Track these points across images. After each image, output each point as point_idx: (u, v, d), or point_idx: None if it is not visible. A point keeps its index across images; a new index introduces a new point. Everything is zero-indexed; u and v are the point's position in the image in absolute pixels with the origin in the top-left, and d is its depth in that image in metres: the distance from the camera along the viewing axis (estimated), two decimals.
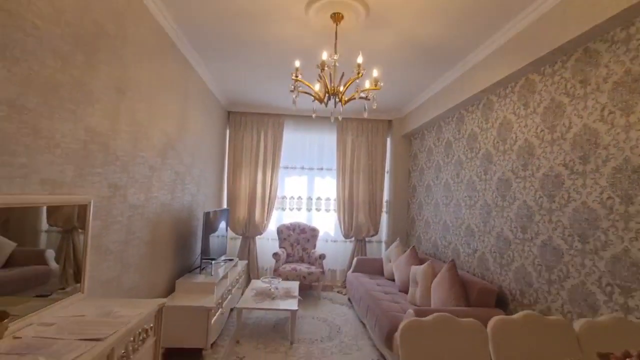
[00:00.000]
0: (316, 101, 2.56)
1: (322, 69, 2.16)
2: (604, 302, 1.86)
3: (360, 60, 2.20)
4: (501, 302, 2.69)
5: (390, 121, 5.32)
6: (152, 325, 1.69)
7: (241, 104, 5.05)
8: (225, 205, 5.13)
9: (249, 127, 5.15)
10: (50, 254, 1.56)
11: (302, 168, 5.35)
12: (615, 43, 1.88)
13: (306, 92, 2.51)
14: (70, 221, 1.65)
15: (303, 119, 5.25)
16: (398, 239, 4.36)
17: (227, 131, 5.17)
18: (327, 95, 2.45)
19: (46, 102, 1.48)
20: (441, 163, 4.04)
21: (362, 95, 2.50)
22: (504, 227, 2.78)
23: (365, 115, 2.56)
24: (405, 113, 4.98)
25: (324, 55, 2.16)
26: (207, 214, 3.24)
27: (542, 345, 1.43)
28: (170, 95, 2.86)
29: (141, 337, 1.56)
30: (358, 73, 2.19)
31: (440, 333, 1.43)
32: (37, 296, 1.47)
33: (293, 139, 5.31)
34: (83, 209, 1.72)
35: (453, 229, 3.65)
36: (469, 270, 3.27)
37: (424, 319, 1.44)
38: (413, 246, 3.83)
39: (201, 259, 3.14)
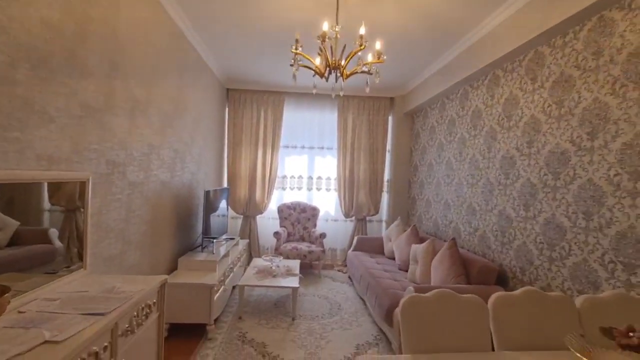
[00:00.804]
0: (317, 76, 2.48)
1: (323, 41, 2.07)
2: (605, 279, 1.87)
3: (362, 31, 2.11)
4: (501, 280, 2.71)
5: (392, 98, 5.21)
6: (155, 300, 1.70)
7: (240, 81, 4.93)
8: (225, 185, 5.11)
9: (248, 105, 5.05)
10: (54, 233, 1.56)
11: (303, 147, 5.29)
12: (633, 10, 1.78)
13: (306, 66, 2.43)
14: (72, 201, 1.64)
15: (304, 96, 5.14)
16: (399, 218, 4.37)
17: (227, 109, 5.08)
18: (328, 69, 2.36)
19: (37, 75, 1.42)
20: (444, 141, 3.97)
21: (365, 69, 2.42)
22: (506, 206, 2.76)
23: (367, 90, 2.49)
24: (407, 90, 4.86)
25: (325, 26, 2.06)
26: (207, 193, 3.22)
27: (542, 321, 1.44)
28: (167, 71, 2.77)
29: (144, 312, 1.57)
30: (360, 45, 2.10)
31: (441, 309, 1.43)
32: (43, 274, 1.48)
33: (293, 117, 5.22)
34: (82, 185, 1.70)
35: (454, 207, 3.64)
36: (469, 249, 3.29)
37: (424, 295, 1.44)
38: (414, 225, 3.84)
39: (202, 237, 3.15)
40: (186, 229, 3.44)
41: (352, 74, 2.42)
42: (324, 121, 5.26)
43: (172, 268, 3.07)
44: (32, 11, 1.38)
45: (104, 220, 1.97)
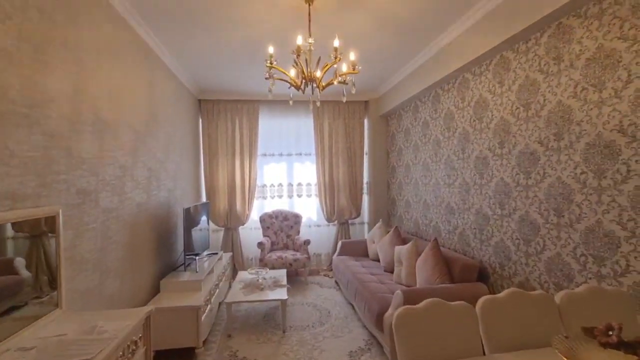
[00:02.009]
0: (292, 87, 2.47)
1: (298, 55, 2.07)
2: (578, 272, 1.98)
3: (337, 43, 2.12)
4: (482, 276, 2.81)
5: (366, 102, 5.28)
6: (140, 335, 1.63)
7: (212, 91, 4.82)
8: (204, 198, 4.98)
9: (222, 115, 4.95)
10: (20, 262, 1.46)
11: (281, 155, 5.26)
12: (588, 18, 1.90)
13: (282, 79, 2.41)
14: (37, 226, 1.54)
15: (278, 104, 5.11)
16: (380, 220, 4.43)
17: (200, 121, 4.95)
18: (303, 81, 2.36)
19: None
20: (419, 143, 4.08)
21: (340, 79, 2.43)
22: (482, 204, 2.87)
23: (344, 100, 2.51)
24: (381, 93, 4.94)
25: (299, 40, 2.06)
26: (187, 210, 3.12)
27: (527, 320, 1.51)
28: (135, 88, 2.66)
29: (130, 350, 1.50)
30: (335, 57, 2.11)
31: (432, 318, 1.46)
32: (10, 308, 1.37)
33: (269, 125, 5.17)
34: (52, 220, 1.60)
35: (433, 207, 3.74)
36: (450, 247, 3.39)
37: (416, 306, 1.47)
38: (396, 227, 3.91)
39: (184, 255, 3.05)
40: (167, 249, 3.33)
41: (328, 85, 2.42)
42: (300, 127, 5.25)
43: (155, 291, 2.96)
44: None
45: (79, 253, 1.86)
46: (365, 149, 5.35)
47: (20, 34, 1.46)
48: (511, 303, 1.54)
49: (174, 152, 3.66)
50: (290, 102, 2.60)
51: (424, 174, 3.94)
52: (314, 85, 2.39)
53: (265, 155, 5.21)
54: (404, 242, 3.81)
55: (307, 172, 5.32)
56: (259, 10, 2.60)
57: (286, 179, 5.29)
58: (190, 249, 3.29)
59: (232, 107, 4.96)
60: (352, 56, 2.32)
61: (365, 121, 5.33)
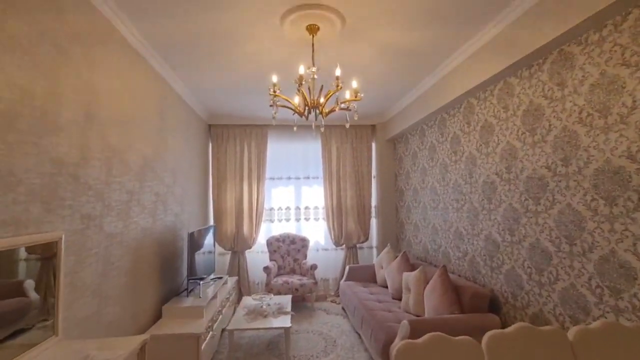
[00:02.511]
0: (297, 114, 2.52)
1: (300, 84, 2.12)
2: (594, 304, 1.86)
3: (338, 72, 2.17)
4: (494, 305, 2.68)
5: (373, 126, 5.32)
6: None
7: (222, 116, 4.96)
8: (211, 221, 5.01)
9: (231, 140, 5.06)
10: (30, 284, 1.48)
11: (289, 178, 5.29)
12: (589, 45, 1.90)
13: (286, 107, 2.46)
14: (49, 248, 1.58)
15: (286, 128, 5.19)
16: (389, 244, 4.34)
17: (210, 145, 5.07)
18: (307, 108, 2.40)
19: (5, 140, 1.38)
20: (426, 166, 4.04)
21: (343, 106, 2.47)
22: (491, 230, 2.78)
23: (347, 125, 2.53)
24: (387, 118, 4.98)
25: (301, 69, 2.11)
26: (191, 235, 3.13)
27: (538, 358, 1.41)
28: (145, 115, 2.76)
29: None
30: (337, 86, 2.15)
31: (435, 353, 1.38)
32: (16, 332, 1.38)
33: (277, 149, 5.24)
34: (54, 246, 1.62)
35: (442, 232, 3.65)
36: (460, 274, 3.26)
37: (417, 340, 1.40)
38: (404, 252, 3.81)
39: (187, 281, 3.03)
40: (171, 273, 3.32)
41: (331, 111, 2.46)
42: (308, 151, 5.30)
43: (157, 317, 2.92)
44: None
45: (79, 278, 1.87)
46: (373, 172, 5.33)
47: (36, 67, 1.55)
48: (520, 339, 1.44)
49: (182, 176, 3.73)
50: (295, 129, 2.64)
51: (432, 197, 3.88)
52: (317, 111, 2.43)
53: (273, 178, 5.25)
54: (412, 268, 3.70)
55: (315, 195, 5.31)
56: (266, 44, 2.70)
57: (294, 202, 5.29)
58: (194, 274, 3.27)
59: (241, 132, 5.07)
60: (355, 84, 2.37)
61: (373, 145, 5.35)
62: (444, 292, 2.75)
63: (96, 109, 2.05)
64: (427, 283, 3.05)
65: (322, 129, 2.55)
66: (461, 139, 3.26)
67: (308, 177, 5.31)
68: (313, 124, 2.49)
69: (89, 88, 1.98)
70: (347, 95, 2.48)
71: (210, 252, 3.96)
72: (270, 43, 2.70)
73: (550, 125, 2.17)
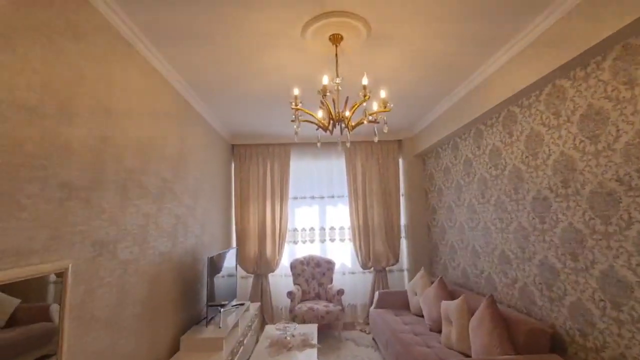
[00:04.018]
0: (321, 129, 2.34)
1: (324, 95, 1.94)
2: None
3: (365, 81, 1.98)
4: (557, 345, 2.27)
5: (400, 141, 5.07)
6: None
7: (245, 136, 4.91)
8: (234, 243, 4.86)
9: (254, 159, 4.96)
10: (55, 308, 1.45)
11: (312, 197, 5.09)
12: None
13: (309, 121, 2.29)
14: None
15: (309, 146, 5.05)
16: (422, 268, 3.98)
17: (232, 165, 5.00)
18: (332, 122, 2.22)
19: (9, 162, 1.28)
20: (461, 182, 3.71)
21: (371, 118, 2.27)
22: (548, 254, 2.41)
23: (376, 140, 2.31)
24: (415, 132, 4.72)
25: (325, 80, 1.95)
26: (211, 259, 2.96)
27: None
28: (165, 136, 2.69)
29: None
30: (364, 96, 1.96)
31: None
32: (41, 357, 1.36)
33: (300, 167, 5.09)
34: (60, 276, 1.49)
35: (484, 255, 3.27)
36: (510, 304, 2.86)
37: None
38: (441, 277, 3.44)
39: (207, 309, 2.83)
40: (191, 299, 3.14)
41: (358, 124, 2.26)
42: (332, 169, 5.11)
43: (174, 349, 2.73)
44: (6, 94, 1.28)
45: (89, 311, 1.72)
46: (402, 189, 5.03)
47: (46, 89, 1.47)
48: None
49: (203, 198, 3.62)
50: (318, 145, 2.46)
51: (470, 216, 3.53)
52: (343, 125, 2.24)
53: (296, 198, 5.07)
54: (451, 295, 3.32)
55: (340, 215, 5.06)
56: (287, 57, 2.58)
57: (318, 222, 5.06)
58: (214, 300, 3.08)
59: (264, 151, 4.97)
60: (383, 94, 2.17)
61: (400, 161, 5.08)
62: (494, 328, 2.38)
63: (112, 130, 1.96)
64: (472, 315, 2.69)
65: (348, 144, 2.36)
66: (502, 151, 2.94)
67: (332, 196, 5.09)
68: (339, 139, 2.29)
69: (106, 108, 1.90)
70: (375, 107, 2.28)
71: (231, 275, 3.78)
72: (291, 57, 2.57)
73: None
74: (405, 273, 4.98)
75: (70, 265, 1.53)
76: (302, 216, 5.06)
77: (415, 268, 4.77)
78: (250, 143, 4.96)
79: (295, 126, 2.15)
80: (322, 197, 5.09)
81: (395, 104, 3.61)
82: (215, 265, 3.12)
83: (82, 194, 1.69)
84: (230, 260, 3.73)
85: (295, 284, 4.66)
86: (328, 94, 1.94)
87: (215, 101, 3.46)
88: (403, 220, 5.01)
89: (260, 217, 4.86)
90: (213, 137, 4.07)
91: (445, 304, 3.02)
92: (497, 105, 2.77)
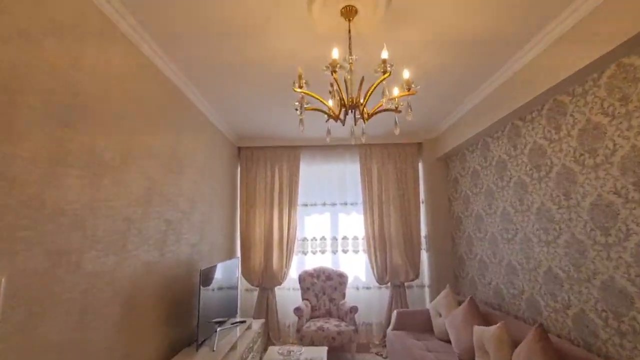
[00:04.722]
0: (331, 121, 1.96)
1: (334, 70, 1.57)
2: None
3: (385, 55, 1.60)
4: None
5: (419, 144, 4.63)
6: None
7: (252, 138, 4.59)
8: (238, 253, 4.50)
9: (261, 163, 4.63)
10: None
11: (324, 204, 4.69)
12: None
13: (317, 109, 1.92)
14: None
15: (321, 148, 4.69)
16: (447, 285, 3.49)
17: (239, 169, 4.68)
18: (343, 109, 1.84)
19: None
20: (493, 187, 3.24)
21: (390, 105, 1.88)
22: (614, 275, 1.92)
23: (397, 131, 1.91)
24: (438, 133, 4.29)
25: (335, 53, 1.57)
26: (204, 272, 2.59)
27: None
28: (153, 130, 2.37)
29: None
30: (384, 72, 1.58)
31: None
32: None
33: (311, 172, 4.72)
34: None
35: (524, 272, 2.78)
36: (560, 334, 2.36)
37: None
38: (471, 297, 2.96)
39: (198, 331, 2.45)
40: (183, 317, 2.78)
41: (375, 112, 1.87)
42: (345, 174, 4.71)
43: None
44: None
45: (38, 335, 1.37)
46: (422, 196, 4.58)
47: None
48: None
49: (203, 203, 3.29)
50: (328, 139, 2.08)
51: (505, 226, 3.04)
52: (357, 113, 1.86)
53: (306, 205, 4.69)
54: (485, 319, 2.83)
55: (354, 224, 4.64)
56: (294, 40, 2.24)
57: (329, 231, 4.64)
58: (209, 318, 2.70)
59: (272, 154, 4.63)
60: (407, 74, 1.78)
61: (420, 165, 4.64)
62: None
63: (78, 113, 1.65)
64: (515, 346, 2.21)
65: (363, 139, 1.97)
66: (546, 150, 2.48)
67: (345, 203, 4.68)
68: (352, 132, 1.91)
69: (70, 89, 1.59)
70: (396, 91, 1.89)
71: (232, 287, 3.40)
72: (296, 39, 2.23)
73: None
74: (426, 290, 4.48)
75: (3, 280, 1.19)
76: (312, 225, 4.67)
77: (437, 284, 4.27)
78: (257, 145, 4.64)
79: (299, 113, 1.78)
80: (334, 204, 4.68)
81: (415, 102, 3.21)
82: (210, 278, 2.75)
83: (30, 191, 1.36)
84: (231, 272, 3.35)
85: (303, 299, 4.24)
86: (338, 69, 1.56)
87: (214, 94, 3.14)
88: (423, 231, 4.54)
89: (266, 225, 4.49)
90: (217, 137, 3.76)
91: (479, 330, 2.54)
92: (541, 94, 2.33)
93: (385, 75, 1.57)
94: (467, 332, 2.78)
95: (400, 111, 1.92)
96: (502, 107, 2.78)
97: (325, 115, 2.02)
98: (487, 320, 2.82)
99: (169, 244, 2.55)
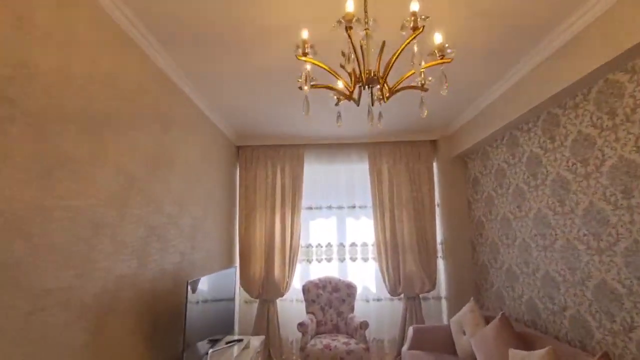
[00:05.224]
0: (343, 98, 1.60)
1: (349, 27, 1.20)
2: None
3: (415, 6, 1.23)
4: None
5: (434, 141, 4.26)
6: None
7: (252, 136, 4.25)
8: (237, 261, 4.12)
9: (262, 163, 4.27)
10: None
11: (330, 207, 4.31)
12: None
13: (326, 86, 1.56)
14: None
15: (326, 147, 4.33)
16: (472, 299, 3.08)
17: (238, 170, 4.33)
18: (358, 85, 1.47)
19: None
20: (524, 187, 2.85)
21: (419, 80, 1.51)
22: None
23: (424, 114, 1.54)
24: (455, 129, 3.91)
25: (350, 5, 1.21)
26: (192, 285, 2.21)
27: None
28: (130, 118, 2.02)
29: None
30: (414, 29, 1.21)
31: None
32: None
33: (316, 172, 4.35)
34: None
35: (567, 285, 2.37)
36: None
37: None
38: (503, 313, 2.55)
39: (183, 356, 2.07)
40: (170, 338, 2.40)
41: (397, 89, 1.50)
42: (353, 174, 4.34)
43: None
44: None
45: None
46: (437, 199, 4.19)
47: None
48: None
49: (195, 205, 2.93)
50: (338, 125, 1.71)
51: (540, 231, 2.64)
52: (376, 90, 1.49)
53: (311, 208, 4.31)
54: (522, 341, 2.42)
55: (363, 229, 4.25)
56: (293, 10, 1.89)
57: (336, 237, 4.26)
58: (200, 338, 2.33)
59: (274, 153, 4.28)
60: (439, 38, 1.41)
61: (435, 164, 4.26)
62: None
63: (25, 88, 1.30)
64: None
65: (380, 125, 1.60)
66: (596, 140, 2.10)
67: (354, 206, 4.30)
68: (368, 109, 1.54)
69: (17, 56, 1.25)
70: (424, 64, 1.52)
71: (228, 300, 3.02)
72: (295, 9, 1.88)
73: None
74: (443, 302, 4.06)
75: None
76: (317, 230, 4.28)
77: (456, 296, 3.86)
78: (258, 144, 4.29)
79: (305, 88, 1.42)
80: (342, 208, 4.30)
81: (430, 92, 2.83)
82: (201, 291, 2.38)
83: None
84: (227, 283, 2.98)
85: (308, 312, 3.84)
86: (354, 23, 1.19)
87: (204, 80, 2.80)
88: (439, 236, 4.14)
89: (267, 231, 4.12)
90: (214, 134, 3.42)
91: (517, 355, 2.13)
92: (590, 74, 1.95)
93: (417, 32, 1.20)
94: (500, 355, 2.37)
95: (427, 89, 1.56)
96: (536, 94, 2.39)
97: (335, 98, 1.66)
98: (524, 342, 2.41)
99: (151, 252, 2.18)
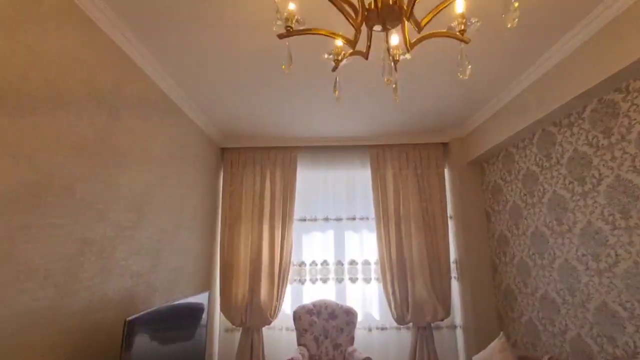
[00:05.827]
0: (340, 59, 1.08)
1: None
2: None
3: None
4: None
5: (445, 144, 3.75)
6: None
7: (238, 137, 3.73)
8: (217, 281, 3.52)
9: (249, 167, 3.73)
10: None
11: (326, 219, 3.75)
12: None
13: (318, 32, 1.04)
14: None
15: (323, 150, 3.82)
16: (502, 334, 2.48)
17: (221, 175, 3.79)
18: (367, 16, 0.95)
19: None
20: (564, 194, 2.31)
21: (457, 23, 1.00)
22: None
23: (468, 73, 1.02)
24: (470, 129, 3.40)
25: None
26: (132, 325, 1.60)
27: None
28: (65, 97, 1.49)
29: None
30: None
31: None
32: None
33: (311, 178, 3.82)
34: None
35: (633, 321, 1.80)
36: None
37: None
38: (550, 357, 1.96)
39: None
40: None
41: (426, 36, 0.98)
42: (353, 181, 3.81)
43: None
44: None
45: None
46: (449, 210, 3.64)
47: None
48: None
49: (161, 214, 2.37)
50: (336, 94, 1.19)
51: (591, 250, 2.09)
52: (395, 32, 0.97)
53: (304, 220, 3.75)
54: None
55: (365, 244, 3.68)
56: None
57: (334, 254, 3.68)
58: None
59: (263, 156, 3.75)
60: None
61: (446, 170, 3.74)
62: None
63: None
64: None
65: (395, 84, 1.09)
66: None
67: (354, 218, 3.74)
68: (382, 61, 1.01)
69: None
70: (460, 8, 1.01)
71: (197, 338, 2.42)
72: None
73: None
74: (459, 332, 3.46)
75: None
76: (311, 245, 3.71)
77: (475, 325, 3.25)
78: (245, 146, 3.77)
79: (284, 29, 0.90)
80: (340, 219, 3.74)
81: (440, 88, 2.35)
82: (154, 330, 1.78)
83: None
84: (195, 314, 2.38)
85: (299, 344, 3.22)
86: None
87: (172, 60, 2.29)
88: (453, 254, 3.57)
89: (254, 245, 3.54)
90: (187, 129, 2.89)
91: None
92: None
93: None
94: None
95: (468, 40, 1.04)
96: (582, 80, 1.89)
97: (332, 60, 1.14)
98: None
99: (81, 276, 1.61)
